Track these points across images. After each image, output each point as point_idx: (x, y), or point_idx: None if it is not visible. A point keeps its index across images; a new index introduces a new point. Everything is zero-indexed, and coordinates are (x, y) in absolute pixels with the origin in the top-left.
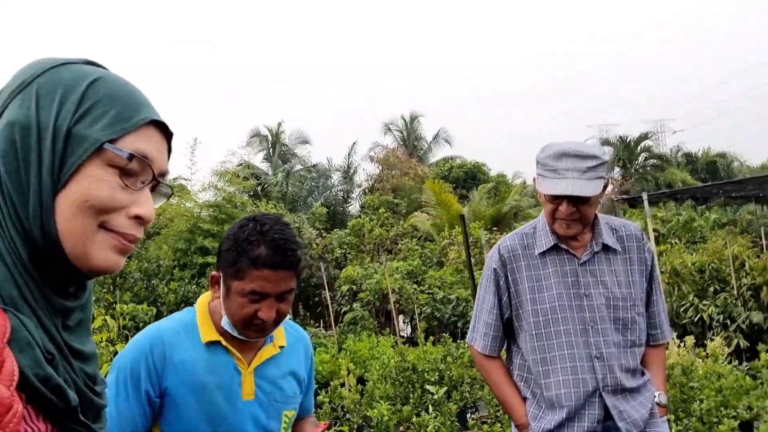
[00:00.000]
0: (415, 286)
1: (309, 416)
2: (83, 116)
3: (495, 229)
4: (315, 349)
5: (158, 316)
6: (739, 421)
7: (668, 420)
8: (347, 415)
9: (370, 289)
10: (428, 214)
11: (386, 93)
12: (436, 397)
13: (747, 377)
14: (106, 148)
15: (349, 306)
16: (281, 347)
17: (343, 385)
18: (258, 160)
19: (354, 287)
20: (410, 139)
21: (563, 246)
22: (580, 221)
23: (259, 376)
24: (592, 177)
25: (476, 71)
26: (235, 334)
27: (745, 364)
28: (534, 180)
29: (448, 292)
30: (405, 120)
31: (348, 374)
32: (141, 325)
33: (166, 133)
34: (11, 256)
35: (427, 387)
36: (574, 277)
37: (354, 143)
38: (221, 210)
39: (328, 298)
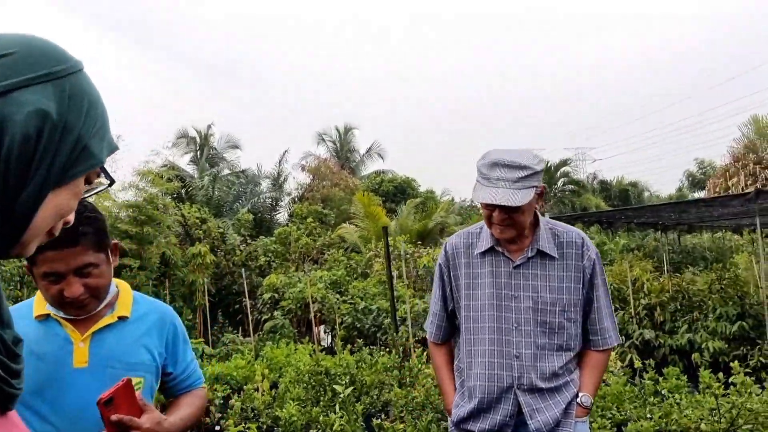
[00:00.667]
0: (338, 296)
1: (196, 389)
2: (96, 133)
3: (420, 243)
4: (230, 356)
5: None
6: (614, 424)
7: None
8: (257, 417)
9: (293, 298)
10: (356, 225)
11: (321, 103)
12: (342, 396)
13: (630, 386)
14: (98, 169)
15: (269, 314)
16: (123, 317)
17: (257, 389)
18: (184, 162)
19: (276, 295)
20: (343, 151)
21: (499, 249)
22: (513, 227)
23: (95, 345)
24: (521, 187)
25: (414, 89)
26: (61, 314)
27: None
28: (474, 187)
29: (370, 303)
30: (339, 131)
31: (263, 379)
32: None
33: None
34: None
35: (335, 387)
36: (507, 279)
37: (285, 151)
38: (141, 211)
39: (248, 306)
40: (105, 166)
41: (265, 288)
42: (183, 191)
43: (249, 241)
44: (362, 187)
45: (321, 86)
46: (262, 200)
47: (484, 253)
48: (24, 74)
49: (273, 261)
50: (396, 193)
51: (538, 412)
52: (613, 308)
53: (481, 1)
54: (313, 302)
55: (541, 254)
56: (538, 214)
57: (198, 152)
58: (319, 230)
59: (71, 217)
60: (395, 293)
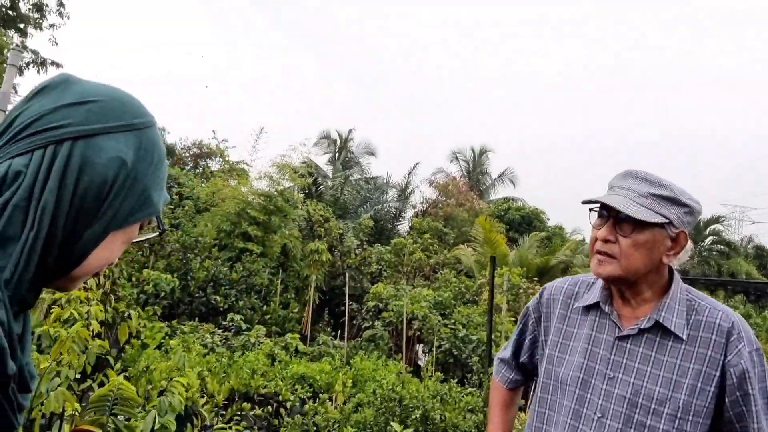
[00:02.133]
0: (440, 318)
1: None
2: (158, 184)
3: (536, 279)
4: (321, 357)
5: (183, 290)
6: None
7: None
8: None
9: (395, 311)
10: (474, 249)
11: (458, 122)
12: None
13: None
14: (151, 219)
15: (371, 323)
16: None
17: (331, 399)
18: (323, 162)
19: (380, 305)
20: (475, 172)
21: (608, 308)
22: (617, 260)
23: None
24: (648, 205)
25: (558, 123)
26: None
27: None
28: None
29: (472, 332)
30: (474, 151)
31: (342, 389)
32: (162, 294)
33: None
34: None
35: (392, 424)
36: (606, 351)
37: (416, 164)
38: (271, 201)
39: (352, 310)
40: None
41: (370, 296)
42: (314, 189)
43: (365, 246)
44: (487, 211)
45: (462, 105)
46: (386, 208)
47: (587, 309)
48: (108, 122)
49: (385, 270)
50: (522, 222)
51: None
52: None
53: (634, 42)
54: (414, 320)
55: (663, 330)
56: (677, 276)
57: (336, 154)
58: (437, 247)
59: (116, 261)
60: (496, 326)
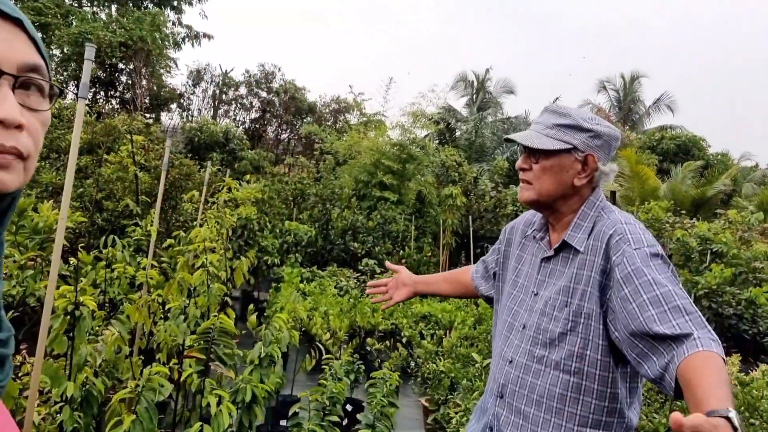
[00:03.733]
0: None
1: None
2: None
3: (684, 213)
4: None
5: (325, 239)
6: None
7: None
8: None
9: None
10: (620, 185)
11: (606, 49)
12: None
13: None
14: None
15: None
16: None
17: (446, 333)
18: (460, 105)
19: None
20: (626, 101)
21: (544, 235)
22: (532, 188)
23: None
24: (552, 135)
25: (719, 35)
26: None
27: None
28: None
29: None
30: (624, 79)
31: (458, 327)
32: (301, 242)
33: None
34: None
35: (472, 354)
36: (535, 272)
37: (556, 98)
38: (404, 150)
39: (484, 253)
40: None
41: None
42: (447, 133)
43: (500, 189)
44: (638, 142)
45: (614, 30)
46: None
47: (534, 237)
48: None
49: (521, 211)
50: (678, 152)
51: None
52: (691, 308)
53: None
54: None
55: (571, 247)
56: (591, 197)
57: (474, 96)
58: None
59: None
60: None
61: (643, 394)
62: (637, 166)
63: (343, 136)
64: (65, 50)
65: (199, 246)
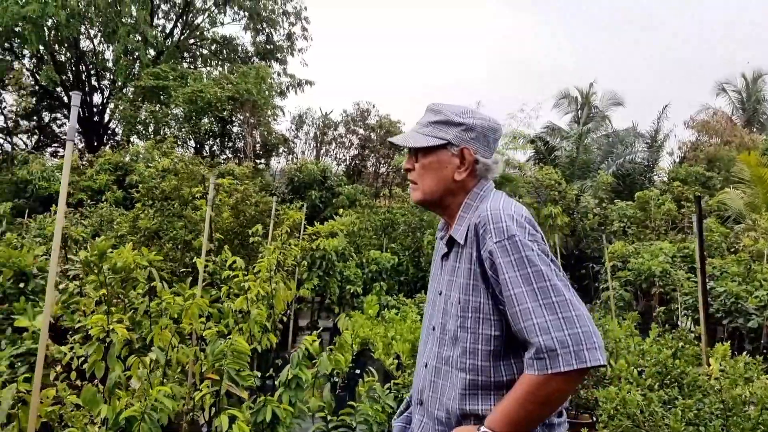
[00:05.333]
0: (685, 272)
1: None
2: None
3: None
4: None
5: (416, 267)
6: None
7: None
8: None
9: (634, 269)
10: (743, 191)
11: (727, 52)
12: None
13: None
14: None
15: (610, 283)
16: None
17: None
18: (564, 122)
19: (620, 264)
20: (750, 102)
21: (439, 234)
22: (419, 187)
23: None
24: (427, 133)
25: None
26: None
27: None
28: None
29: (720, 284)
30: (745, 79)
31: None
32: (384, 271)
33: None
34: None
35: None
36: (438, 271)
37: (665, 106)
38: None
39: (590, 273)
40: None
41: (607, 255)
42: (545, 152)
43: (605, 205)
44: (763, 145)
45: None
46: (633, 161)
47: (439, 237)
48: None
49: (629, 227)
50: None
51: None
52: (568, 315)
53: None
54: (653, 276)
55: (456, 242)
56: (475, 189)
57: (579, 111)
58: (689, 194)
59: None
60: (705, 278)
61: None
62: (758, 169)
63: None
64: (182, 109)
65: (240, 276)
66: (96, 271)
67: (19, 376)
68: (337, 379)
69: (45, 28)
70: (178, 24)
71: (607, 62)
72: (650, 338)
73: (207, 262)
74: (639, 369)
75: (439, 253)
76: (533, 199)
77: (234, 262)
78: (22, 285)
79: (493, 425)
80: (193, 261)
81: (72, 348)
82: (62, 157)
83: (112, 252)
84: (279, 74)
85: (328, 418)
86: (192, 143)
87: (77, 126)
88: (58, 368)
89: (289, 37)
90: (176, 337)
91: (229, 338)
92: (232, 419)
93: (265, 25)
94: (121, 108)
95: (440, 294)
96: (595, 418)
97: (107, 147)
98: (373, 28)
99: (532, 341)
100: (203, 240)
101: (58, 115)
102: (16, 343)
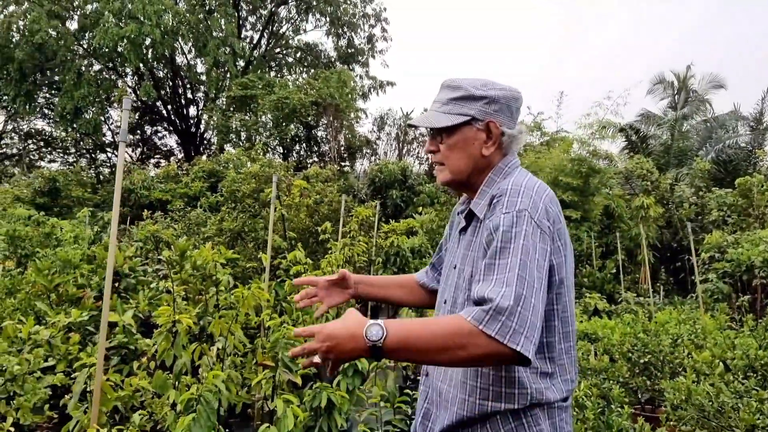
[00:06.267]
0: None
1: None
2: None
3: None
4: (623, 312)
5: None
6: None
7: None
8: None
9: (733, 260)
10: None
11: None
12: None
13: None
14: None
15: (707, 276)
16: None
17: (587, 356)
18: (659, 109)
19: (718, 255)
20: None
21: (459, 209)
22: (445, 167)
23: None
24: (448, 111)
25: None
26: None
27: None
28: None
29: None
30: None
31: (604, 343)
32: None
33: None
34: None
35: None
36: (455, 245)
37: None
38: (584, 163)
39: (687, 265)
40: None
41: (704, 247)
42: (638, 141)
43: (702, 194)
44: None
45: None
46: (733, 146)
47: (459, 212)
48: None
49: (728, 216)
50: None
51: (430, 418)
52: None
53: None
54: (754, 267)
55: (475, 216)
56: (500, 164)
57: (675, 96)
58: None
59: None
60: None
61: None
62: None
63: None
64: (270, 116)
65: (303, 271)
66: (178, 269)
67: (110, 367)
68: (409, 373)
69: (143, 47)
70: (264, 34)
71: (705, 44)
72: (744, 330)
73: (281, 259)
74: (724, 360)
75: (456, 228)
76: (624, 191)
77: (295, 257)
78: (116, 284)
79: (390, 327)
80: (274, 259)
81: (155, 342)
82: (162, 166)
83: (193, 252)
84: (361, 77)
85: (381, 404)
86: (280, 149)
87: (178, 139)
88: (144, 360)
89: (370, 39)
90: (236, 327)
91: (285, 327)
92: (288, 404)
93: (346, 29)
94: (214, 118)
95: (454, 268)
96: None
97: (204, 156)
98: (452, 25)
99: (488, 295)
100: (269, 236)
101: (159, 128)
102: (109, 337)
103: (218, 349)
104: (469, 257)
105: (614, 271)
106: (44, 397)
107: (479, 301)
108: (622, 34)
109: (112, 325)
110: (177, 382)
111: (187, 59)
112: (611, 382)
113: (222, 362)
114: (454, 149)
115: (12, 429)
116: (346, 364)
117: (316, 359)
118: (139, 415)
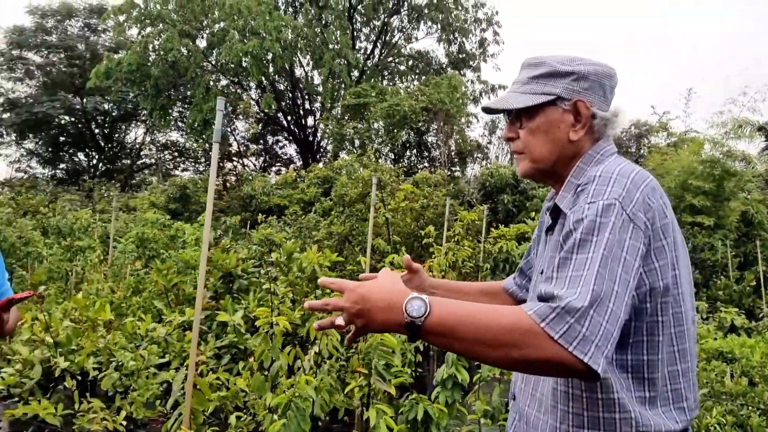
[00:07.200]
0: None
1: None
2: None
3: None
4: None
5: None
6: None
7: None
8: None
9: None
10: None
11: None
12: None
13: None
14: None
15: None
16: None
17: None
18: None
19: None
20: None
21: (546, 206)
22: (526, 156)
23: None
24: (529, 90)
25: None
26: None
27: None
28: None
29: None
30: None
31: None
32: None
33: None
34: None
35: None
36: (542, 247)
37: None
38: (715, 166)
39: None
40: None
41: None
42: None
43: None
44: None
45: None
46: None
47: (547, 211)
48: None
49: None
50: None
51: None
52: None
53: None
54: None
55: (561, 211)
56: (591, 151)
57: None
58: None
59: None
60: None
61: None
62: None
63: (641, 161)
64: (382, 123)
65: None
66: (286, 271)
67: (220, 366)
68: None
69: (264, 61)
70: (377, 44)
71: None
72: None
73: (384, 263)
74: None
75: (542, 228)
76: (764, 195)
77: (393, 260)
78: (229, 285)
79: (435, 306)
80: (379, 262)
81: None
82: (282, 174)
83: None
84: (472, 81)
85: (483, 421)
86: (391, 155)
87: (297, 147)
88: (251, 360)
89: (482, 44)
90: (332, 330)
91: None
92: (382, 414)
93: (457, 35)
94: (330, 127)
95: (541, 273)
96: None
97: (320, 164)
98: (569, 24)
99: (557, 292)
100: (368, 238)
101: (280, 137)
102: (220, 337)
103: (315, 353)
104: (551, 257)
105: (754, 283)
106: (157, 392)
107: (546, 298)
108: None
109: (223, 325)
110: (274, 385)
111: (305, 71)
112: (750, 408)
113: (318, 366)
114: (536, 134)
115: (124, 422)
116: (445, 374)
117: (339, 321)
118: (237, 416)
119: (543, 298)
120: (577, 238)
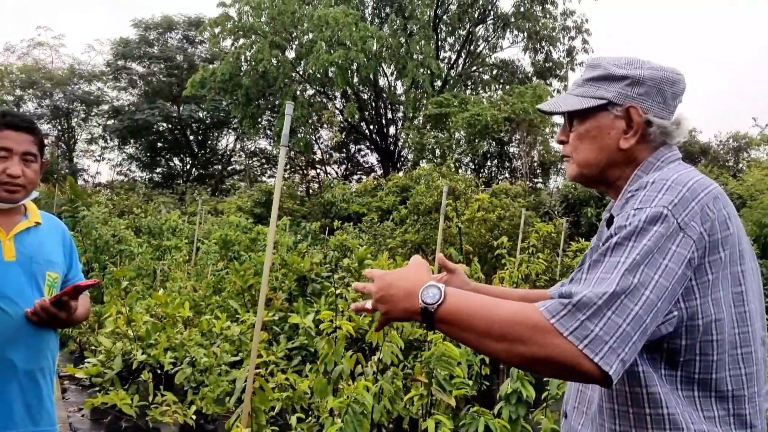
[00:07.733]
0: None
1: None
2: None
3: None
4: None
5: None
6: None
7: None
8: None
9: None
10: None
11: None
12: None
13: None
14: None
15: None
16: (37, 223)
17: None
18: None
19: None
20: None
21: (605, 215)
22: (573, 161)
23: (19, 242)
24: (581, 92)
25: None
26: None
27: None
28: None
29: None
30: None
31: None
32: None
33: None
34: None
35: None
36: None
37: None
38: None
39: None
40: None
41: None
42: None
43: None
44: None
45: None
46: None
47: (604, 221)
48: None
49: None
50: None
51: None
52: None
53: None
54: None
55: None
56: (650, 159)
57: None
58: None
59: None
60: None
61: None
62: None
63: (739, 176)
64: (462, 133)
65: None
66: (357, 276)
67: (290, 367)
68: None
69: (349, 71)
70: (462, 54)
71: None
72: None
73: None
74: None
75: (601, 237)
76: None
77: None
78: (303, 288)
79: (450, 295)
80: None
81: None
82: (362, 182)
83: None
84: (558, 91)
85: None
86: (471, 165)
87: (378, 156)
88: (318, 363)
89: (569, 52)
90: (394, 336)
91: (444, 342)
92: (439, 426)
93: (544, 44)
94: (411, 136)
95: None
96: None
97: (400, 173)
98: (665, 28)
99: (575, 290)
100: (437, 247)
101: (362, 146)
102: (292, 338)
103: (378, 359)
104: None
105: None
106: (227, 389)
107: (564, 296)
108: None
109: (295, 327)
110: (336, 388)
111: (388, 81)
112: None
113: (381, 373)
114: (584, 139)
115: (194, 417)
116: (509, 389)
117: (368, 305)
118: (298, 417)
119: (562, 296)
120: (613, 241)
